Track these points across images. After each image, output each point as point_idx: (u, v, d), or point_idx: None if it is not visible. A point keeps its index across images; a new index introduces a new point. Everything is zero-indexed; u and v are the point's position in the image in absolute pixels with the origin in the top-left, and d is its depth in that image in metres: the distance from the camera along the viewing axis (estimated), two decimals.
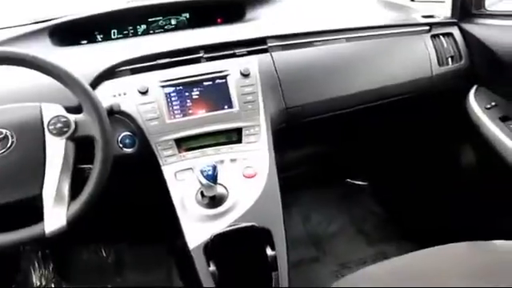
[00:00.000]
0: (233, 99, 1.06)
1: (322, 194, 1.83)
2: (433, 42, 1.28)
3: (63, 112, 0.88)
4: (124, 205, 1.51)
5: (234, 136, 1.05)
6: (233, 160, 1.02)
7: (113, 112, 0.98)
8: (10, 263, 1.53)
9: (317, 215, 1.77)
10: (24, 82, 0.98)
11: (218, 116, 1.05)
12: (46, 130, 0.86)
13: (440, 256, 0.84)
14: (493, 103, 1.25)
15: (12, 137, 0.84)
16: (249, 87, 1.07)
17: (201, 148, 1.03)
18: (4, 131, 0.84)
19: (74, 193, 0.86)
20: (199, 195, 0.95)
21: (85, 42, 1.25)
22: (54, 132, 0.86)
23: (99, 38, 1.26)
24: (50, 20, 1.20)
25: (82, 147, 0.89)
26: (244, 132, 1.04)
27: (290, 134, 1.16)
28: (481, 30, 1.26)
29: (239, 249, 0.90)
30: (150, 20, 1.29)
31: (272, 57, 1.14)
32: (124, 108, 1.01)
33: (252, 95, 1.07)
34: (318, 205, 1.80)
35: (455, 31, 1.30)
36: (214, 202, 0.93)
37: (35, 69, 0.87)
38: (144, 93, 1.03)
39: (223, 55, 1.12)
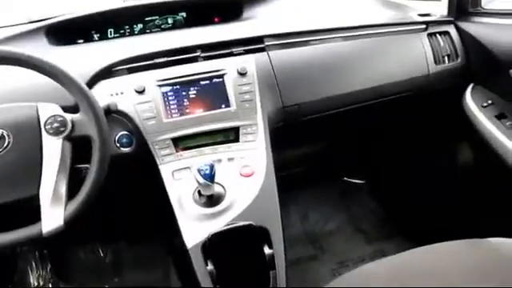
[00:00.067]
0: (230, 98, 1.06)
1: (320, 193, 1.83)
2: (429, 41, 1.28)
3: (60, 111, 0.88)
4: (121, 204, 1.51)
5: (231, 135, 1.05)
6: (230, 159, 1.02)
7: (110, 111, 0.98)
8: (8, 263, 1.52)
9: (315, 214, 1.78)
10: (20, 82, 0.98)
11: (215, 115, 1.05)
12: (42, 129, 0.86)
13: (438, 254, 0.84)
14: (489, 101, 1.25)
15: (8, 137, 0.84)
16: (246, 86, 1.07)
17: (198, 147, 1.03)
18: (0, 131, 0.84)
19: (72, 193, 0.86)
20: (196, 194, 0.95)
21: (81, 41, 1.24)
22: (51, 132, 0.86)
23: (96, 37, 1.26)
24: (46, 19, 1.19)
25: (79, 147, 0.88)
26: (241, 131, 1.04)
27: (287, 133, 1.16)
28: (477, 28, 1.26)
29: (237, 248, 0.90)
30: (146, 19, 1.29)
31: (269, 56, 1.14)
32: (121, 107, 1.01)
33: (249, 94, 1.07)
34: (316, 203, 1.80)
35: (451, 30, 1.31)
36: (212, 201, 0.93)
37: (31, 68, 0.87)
38: (141, 92, 1.03)
39: (220, 54, 1.11)
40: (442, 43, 1.29)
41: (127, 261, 1.60)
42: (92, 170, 0.86)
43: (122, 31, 1.28)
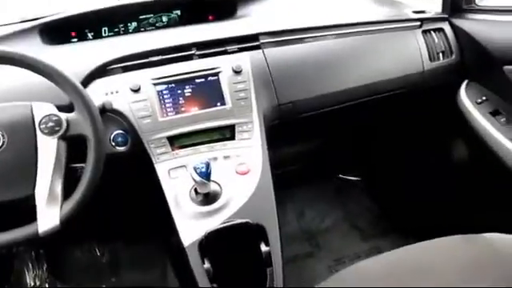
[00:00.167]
0: (225, 96, 1.06)
1: (316, 190, 1.84)
2: (424, 38, 1.28)
3: (55, 111, 0.88)
4: (117, 203, 1.51)
5: (227, 133, 1.05)
6: (226, 157, 1.02)
7: (105, 110, 0.98)
8: (4, 263, 1.52)
9: (311, 211, 1.78)
10: (15, 81, 0.98)
11: (210, 113, 1.05)
12: (37, 129, 0.85)
13: (433, 249, 0.85)
14: (483, 98, 1.26)
15: (3, 136, 0.84)
16: (241, 84, 1.07)
17: (194, 145, 1.03)
18: None
19: (67, 192, 0.86)
20: (193, 192, 0.95)
21: (75, 40, 1.24)
22: (46, 131, 0.85)
23: (90, 35, 1.25)
24: (39, 18, 1.19)
25: (74, 146, 0.88)
26: (237, 129, 1.04)
27: (283, 131, 1.17)
28: (471, 25, 1.27)
29: (233, 245, 0.90)
30: (140, 17, 1.29)
31: (264, 53, 1.14)
32: (116, 106, 1.01)
33: (244, 92, 1.07)
34: (312, 201, 1.81)
35: (446, 26, 1.31)
36: (208, 199, 0.93)
37: (26, 67, 0.86)
38: (136, 91, 1.03)
39: (215, 52, 1.11)
40: (436, 40, 1.29)
41: (124, 260, 1.60)
42: (87, 169, 0.86)
43: (116, 30, 1.27)
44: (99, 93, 1.01)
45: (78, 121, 0.87)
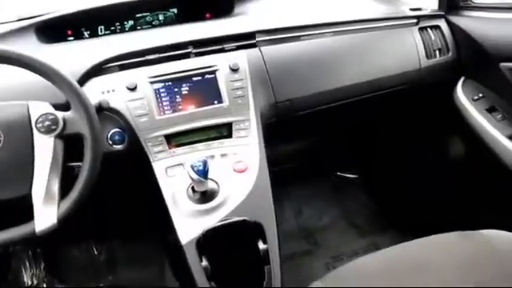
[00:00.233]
0: (222, 94, 1.06)
1: (313, 188, 1.84)
2: (421, 35, 1.28)
3: (51, 110, 0.87)
4: (115, 202, 1.50)
5: (224, 131, 1.05)
6: (223, 155, 1.02)
7: (101, 109, 0.98)
8: (1, 262, 1.51)
9: (308, 209, 1.78)
10: (11, 80, 0.97)
11: (207, 111, 1.05)
12: (34, 128, 0.85)
13: (430, 246, 0.85)
14: (480, 95, 1.26)
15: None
16: (238, 82, 1.07)
17: (191, 143, 1.03)
18: None
19: (64, 191, 0.86)
20: (190, 191, 0.95)
21: (71, 38, 1.23)
22: (42, 130, 0.85)
23: (86, 34, 1.25)
24: (35, 17, 1.18)
25: (71, 145, 0.88)
26: (234, 127, 1.04)
27: (280, 128, 1.17)
28: (467, 22, 1.27)
29: (231, 243, 0.90)
30: (137, 16, 1.28)
31: (261, 51, 1.14)
32: (113, 105, 1.00)
33: (241, 90, 1.07)
34: (310, 198, 1.81)
35: (442, 24, 1.31)
36: (206, 197, 0.93)
37: (22, 66, 0.86)
38: (133, 89, 1.02)
39: (212, 50, 1.11)
40: (433, 37, 1.29)
41: (121, 259, 1.60)
42: (84, 168, 0.86)
43: (112, 28, 1.27)
44: (96, 91, 1.01)
45: (74, 119, 0.87)
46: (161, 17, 1.31)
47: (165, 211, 0.94)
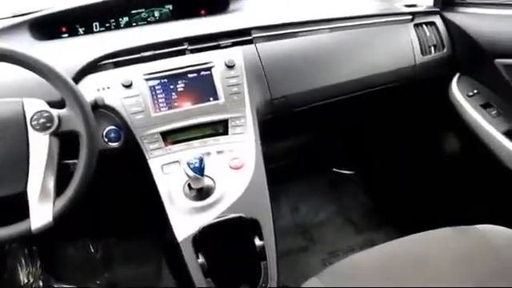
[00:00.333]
0: (218, 91, 1.06)
1: (310, 184, 1.84)
2: (416, 31, 1.29)
3: (46, 107, 0.87)
4: (111, 199, 1.50)
5: (220, 128, 1.04)
6: (219, 152, 1.01)
7: (97, 106, 0.97)
8: None
9: (305, 205, 1.78)
10: (5, 77, 0.96)
11: (203, 108, 1.04)
12: (28, 125, 0.85)
13: (426, 241, 0.86)
14: (475, 91, 1.27)
15: None
16: (234, 79, 1.07)
17: (187, 140, 1.02)
18: None
19: (60, 189, 0.85)
20: (186, 188, 0.95)
21: (66, 35, 1.23)
22: (37, 127, 0.85)
23: (81, 31, 1.24)
24: (29, 13, 1.17)
25: (66, 142, 0.88)
26: (230, 123, 1.04)
27: (276, 125, 1.17)
28: (462, 18, 1.27)
29: (228, 240, 0.90)
30: (132, 12, 1.28)
31: (256, 48, 1.14)
32: (108, 102, 1.00)
33: (237, 87, 1.07)
34: (306, 195, 1.81)
35: (437, 20, 1.31)
36: (202, 194, 0.93)
37: (16, 63, 0.85)
38: (128, 86, 1.02)
39: (207, 47, 1.11)
40: (428, 34, 1.30)
41: (118, 256, 1.60)
42: (80, 165, 0.85)
43: (107, 25, 1.26)
44: (91, 89, 1.00)
45: (69, 117, 0.87)
46: (156, 13, 1.30)
47: (161, 208, 0.94)
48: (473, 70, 1.29)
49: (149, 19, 1.30)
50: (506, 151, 1.16)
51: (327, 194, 1.83)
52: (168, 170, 0.98)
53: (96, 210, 1.48)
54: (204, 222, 0.89)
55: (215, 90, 1.06)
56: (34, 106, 0.86)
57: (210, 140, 1.03)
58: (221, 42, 1.12)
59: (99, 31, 1.25)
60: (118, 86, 1.02)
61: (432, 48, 1.29)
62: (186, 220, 0.91)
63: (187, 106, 1.04)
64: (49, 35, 1.18)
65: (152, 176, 0.98)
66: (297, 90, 1.16)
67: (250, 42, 1.14)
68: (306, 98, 1.18)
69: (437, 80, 1.31)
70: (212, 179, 0.96)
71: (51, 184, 0.84)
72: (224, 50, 1.11)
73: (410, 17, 1.30)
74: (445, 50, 1.30)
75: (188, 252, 0.87)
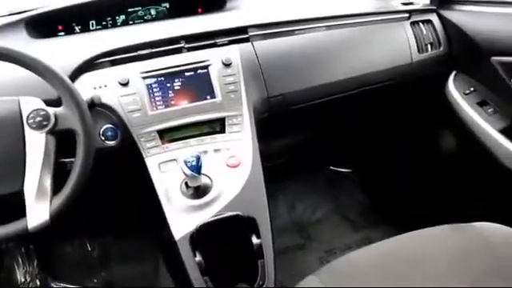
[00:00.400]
0: (215, 89, 1.06)
1: (307, 182, 1.84)
2: (412, 29, 1.29)
3: (42, 105, 0.87)
4: (108, 198, 1.50)
5: (217, 126, 1.04)
6: (216, 150, 1.01)
7: (94, 104, 0.97)
8: None
9: (302, 203, 1.79)
10: (1, 76, 0.96)
11: (200, 106, 1.04)
12: (25, 124, 0.84)
13: (423, 239, 0.86)
14: (471, 89, 1.27)
15: None
16: (231, 77, 1.07)
17: (184, 139, 1.02)
18: None
19: (57, 187, 0.85)
20: (183, 186, 0.95)
21: (62, 33, 1.22)
22: (34, 126, 0.84)
23: (77, 29, 1.24)
24: (26, 11, 1.17)
25: (63, 140, 0.87)
26: (227, 122, 1.04)
27: (273, 123, 1.17)
28: (459, 16, 1.28)
29: (225, 238, 0.90)
30: (129, 10, 1.27)
31: (253, 46, 1.13)
32: (105, 100, 1.00)
33: (234, 85, 1.06)
34: (303, 193, 1.82)
35: (434, 18, 1.32)
36: (199, 192, 0.93)
37: (12, 62, 0.85)
38: (125, 84, 1.02)
39: (204, 45, 1.11)
40: (424, 31, 1.30)
41: (115, 255, 1.60)
42: (77, 163, 0.85)
43: (104, 23, 1.26)
44: (87, 87, 1.00)
45: (66, 115, 0.86)
46: (153, 11, 1.30)
47: (158, 207, 0.94)
48: (469, 68, 1.29)
49: (145, 17, 1.30)
50: (503, 149, 1.16)
51: (324, 192, 1.83)
52: (165, 168, 0.98)
53: (93, 209, 1.48)
54: (201, 220, 0.89)
55: (212, 88, 1.06)
56: (31, 105, 0.86)
57: (207, 138, 1.03)
58: (218, 40, 1.12)
59: (96, 29, 1.25)
60: (114, 84, 1.02)
61: (428, 46, 1.30)
62: (183, 218, 0.91)
63: (184, 104, 1.04)
64: (45, 33, 1.17)
65: (149, 174, 0.97)
66: (294, 88, 1.16)
67: (246, 40, 1.14)
68: (302, 96, 1.18)
69: (433, 78, 1.31)
70: (209, 177, 0.96)
71: (48, 182, 0.84)
72: (221, 48, 1.11)
73: (407, 15, 1.30)
74: (441, 47, 1.30)
75: (185, 250, 0.87)
